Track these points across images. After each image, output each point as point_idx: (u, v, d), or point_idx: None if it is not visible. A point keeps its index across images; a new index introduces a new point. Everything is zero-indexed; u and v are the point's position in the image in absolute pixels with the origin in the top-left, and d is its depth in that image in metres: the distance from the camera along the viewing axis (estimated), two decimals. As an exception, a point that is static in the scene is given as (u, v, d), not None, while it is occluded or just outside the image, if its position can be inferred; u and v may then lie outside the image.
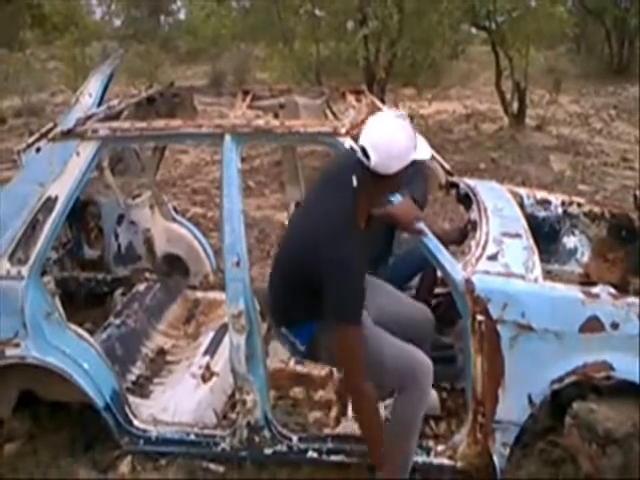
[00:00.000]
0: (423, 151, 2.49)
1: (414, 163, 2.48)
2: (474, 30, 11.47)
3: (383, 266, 3.55)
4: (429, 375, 2.60)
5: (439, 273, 3.08)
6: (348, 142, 2.71)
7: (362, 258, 2.45)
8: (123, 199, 4.20)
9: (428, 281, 3.76)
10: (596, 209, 3.72)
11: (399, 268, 3.61)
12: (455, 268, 2.69)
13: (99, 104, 3.34)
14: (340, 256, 2.37)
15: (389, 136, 2.34)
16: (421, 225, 2.71)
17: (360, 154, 2.37)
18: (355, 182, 2.46)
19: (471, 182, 3.65)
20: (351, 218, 2.45)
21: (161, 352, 3.70)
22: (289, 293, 2.64)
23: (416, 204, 3.17)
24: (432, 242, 2.73)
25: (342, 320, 2.40)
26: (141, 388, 3.37)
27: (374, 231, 2.70)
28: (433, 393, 3.14)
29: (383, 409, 2.92)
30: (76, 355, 2.89)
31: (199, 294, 4.20)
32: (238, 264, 2.76)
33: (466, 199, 3.49)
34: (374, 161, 2.34)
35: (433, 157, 3.73)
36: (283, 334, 2.77)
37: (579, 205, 3.75)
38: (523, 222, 3.17)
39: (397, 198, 2.73)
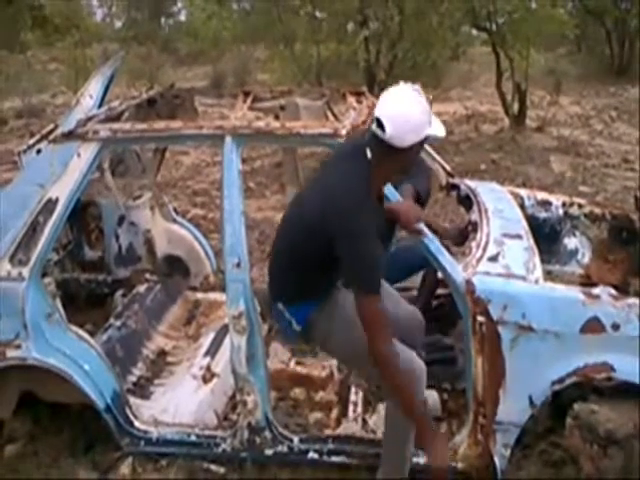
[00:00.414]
0: (438, 128, 2.45)
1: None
2: (475, 31, 11.49)
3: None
4: (422, 379, 2.56)
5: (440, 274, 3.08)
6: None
7: (377, 229, 2.41)
8: (123, 200, 4.20)
9: (430, 282, 3.76)
10: (597, 210, 3.72)
11: (393, 265, 3.60)
12: (456, 269, 2.69)
13: (100, 105, 3.34)
14: (358, 225, 2.34)
15: (405, 108, 2.32)
16: (421, 225, 2.71)
17: (375, 126, 2.35)
18: (369, 154, 2.43)
19: (472, 183, 3.66)
20: (367, 188, 2.42)
21: (162, 353, 3.70)
22: (291, 269, 2.61)
23: (419, 198, 3.21)
24: (433, 243, 2.73)
25: (364, 290, 2.37)
26: (142, 389, 3.37)
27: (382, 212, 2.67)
28: (434, 394, 3.14)
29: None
30: (77, 356, 2.89)
31: (199, 295, 4.20)
32: (238, 265, 2.77)
33: (467, 200, 3.49)
34: (389, 133, 2.31)
35: (434, 158, 3.74)
36: (279, 310, 2.70)
37: (580, 206, 3.74)
38: (524, 223, 3.17)
39: (395, 196, 2.74)
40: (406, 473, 2.66)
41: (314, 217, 2.46)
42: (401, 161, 2.44)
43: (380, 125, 2.32)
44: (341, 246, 2.37)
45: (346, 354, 2.72)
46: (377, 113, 2.34)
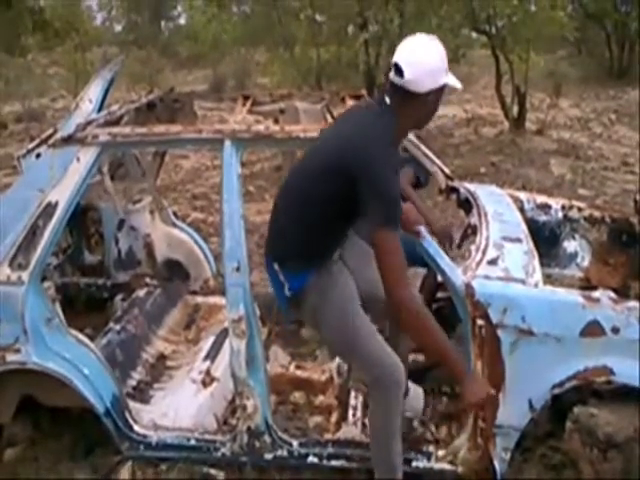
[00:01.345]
0: (455, 81, 2.47)
1: None
2: (474, 34, 11.48)
3: None
4: (400, 380, 2.55)
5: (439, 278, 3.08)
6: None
7: (398, 173, 2.42)
8: (123, 204, 4.20)
9: (429, 286, 3.76)
10: (596, 213, 3.72)
11: None
12: (455, 273, 2.69)
13: (99, 110, 3.34)
14: (384, 160, 2.32)
15: (423, 53, 2.37)
16: (421, 228, 2.72)
17: (393, 73, 2.38)
18: (388, 101, 2.44)
19: (471, 186, 3.65)
20: (390, 130, 2.41)
21: (161, 357, 3.70)
22: (293, 226, 2.55)
23: (418, 182, 3.40)
24: (432, 246, 2.73)
25: (385, 224, 2.32)
26: (141, 393, 3.37)
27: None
28: (419, 392, 3.13)
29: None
30: (76, 360, 2.89)
31: (199, 299, 4.20)
32: (238, 269, 2.77)
33: (466, 204, 3.49)
34: (407, 77, 2.34)
35: (433, 161, 3.74)
36: (274, 271, 2.63)
37: (579, 209, 3.74)
38: (523, 226, 3.17)
39: None
40: (398, 471, 2.64)
41: (329, 163, 2.43)
42: (420, 109, 2.45)
43: (398, 71, 2.35)
44: (363, 181, 2.32)
45: (331, 336, 2.67)
46: (395, 59, 2.37)
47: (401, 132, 2.50)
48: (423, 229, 2.74)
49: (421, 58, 2.35)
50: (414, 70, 2.34)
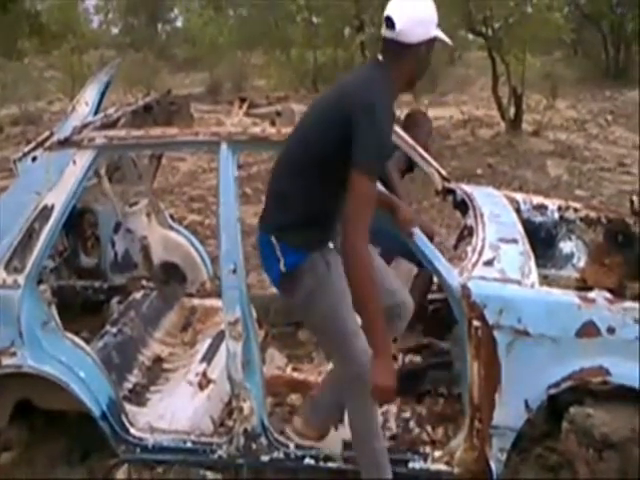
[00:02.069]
0: (445, 36, 2.53)
1: None
2: (471, 36, 11.51)
3: None
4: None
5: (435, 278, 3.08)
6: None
7: (391, 124, 2.44)
8: (120, 207, 4.20)
9: (422, 282, 3.77)
10: (592, 214, 3.73)
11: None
12: (451, 274, 2.69)
13: (96, 112, 3.34)
14: (379, 108, 2.33)
15: (412, 4, 2.43)
16: (415, 229, 2.72)
17: (384, 27, 2.42)
18: (381, 57, 2.48)
19: (468, 188, 3.66)
20: (385, 82, 2.43)
21: (158, 360, 3.69)
22: (296, 190, 2.51)
23: (411, 167, 3.62)
24: (428, 248, 2.73)
25: (364, 169, 2.31)
26: (138, 396, 3.36)
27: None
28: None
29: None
30: (72, 364, 2.89)
31: (196, 302, 4.19)
32: (235, 271, 2.77)
33: (462, 205, 3.50)
34: (398, 28, 2.39)
35: (430, 163, 3.75)
36: (271, 244, 2.54)
37: (575, 210, 3.75)
38: (519, 227, 3.18)
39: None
40: (386, 469, 2.64)
41: (328, 112, 2.45)
42: (412, 62, 2.48)
43: (390, 24, 2.40)
44: (359, 120, 2.32)
45: (320, 323, 2.64)
46: (386, 13, 2.42)
47: (395, 89, 2.51)
48: (417, 230, 2.74)
49: (411, 9, 2.42)
50: (405, 20, 2.39)
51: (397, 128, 3.76)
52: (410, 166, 3.87)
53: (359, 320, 2.53)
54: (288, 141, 2.63)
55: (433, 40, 2.47)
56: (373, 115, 2.32)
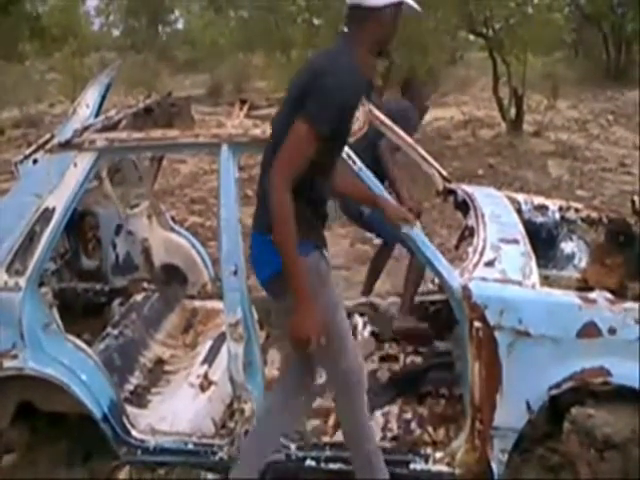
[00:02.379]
0: (413, 2, 2.47)
1: None
2: (472, 37, 11.52)
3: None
4: (362, 381, 2.59)
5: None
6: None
7: (359, 96, 2.38)
8: (121, 209, 4.20)
9: (414, 275, 3.88)
10: (594, 214, 3.73)
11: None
12: (452, 275, 2.69)
13: (97, 115, 3.34)
14: (335, 68, 2.27)
15: None
16: (405, 227, 2.73)
17: None
18: (346, 29, 2.44)
19: (469, 188, 3.67)
20: (350, 51, 2.37)
21: (159, 362, 3.70)
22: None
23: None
24: (429, 249, 2.73)
25: (309, 119, 2.24)
26: (139, 398, 3.37)
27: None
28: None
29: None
30: (74, 366, 2.89)
31: (197, 303, 4.20)
32: (235, 273, 2.76)
33: (463, 205, 3.50)
34: None
35: (430, 163, 3.75)
36: (266, 242, 2.39)
37: (576, 210, 3.75)
38: (520, 228, 3.18)
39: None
40: (380, 469, 2.63)
41: (294, 92, 2.38)
42: (378, 28, 2.41)
43: None
44: (316, 83, 2.26)
45: None
46: None
47: (363, 56, 2.43)
48: (418, 230, 2.74)
49: None
50: None
51: (397, 129, 3.77)
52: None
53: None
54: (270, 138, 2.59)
55: (399, 5, 2.41)
56: (328, 77, 2.25)
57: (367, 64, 2.46)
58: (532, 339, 2.57)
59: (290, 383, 2.76)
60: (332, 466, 2.88)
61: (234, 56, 16.86)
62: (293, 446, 2.91)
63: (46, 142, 3.02)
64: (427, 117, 11.44)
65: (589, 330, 2.55)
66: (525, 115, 10.42)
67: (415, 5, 2.48)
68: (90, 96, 3.37)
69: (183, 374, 3.51)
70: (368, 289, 4.62)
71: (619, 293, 2.98)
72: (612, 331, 2.54)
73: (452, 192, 3.67)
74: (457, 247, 3.50)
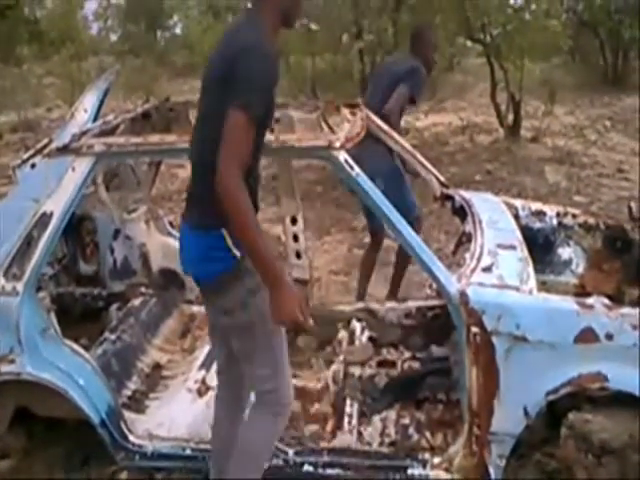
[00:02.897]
0: None
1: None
2: (469, 43, 11.53)
3: None
4: (285, 409, 2.54)
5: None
6: (343, 156, 2.73)
7: (278, 70, 2.32)
8: (119, 214, 4.20)
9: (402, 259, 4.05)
10: (591, 220, 3.74)
11: None
12: (449, 280, 2.70)
13: (95, 119, 3.35)
14: (253, 52, 2.22)
15: None
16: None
17: None
18: (250, 5, 2.43)
19: (466, 194, 3.68)
20: (257, 27, 2.33)
21: (157, 367, 3.69)
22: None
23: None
24: (427, 254, 2.74)
25: (241, 106, 2.18)
26: (137, 403, 3.36)
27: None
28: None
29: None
30: (71, 371, 2.89)
31: (195, 308, 4.19)
32: (233, 278, 2.76)
33: (461, 211, 3.51)
34: None
35: (428, 169, 3.76)
36: (222, 236, 2.34)
37: (574, 216, 3.76)
38: (518, 234, 3.19)
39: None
40: None
41: (211, 80, 2.35)
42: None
43: None
44: (235, 71, 2.21)
45: (248, 329, 2.44)
46: None
47: (270, 29, 2.38)
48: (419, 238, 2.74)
49: None
50: None
51: (395, 135, 3.78)
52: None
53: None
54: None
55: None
56: (250, 58, 2.21)
57: (275, 36, 2.42)
58: (529, 344, 2.57)
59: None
60: (330, 471, 2.88)
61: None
62: (291, 451, 2.91)
63: (44, 146, 3.02)
64: (426, 123, 11.54)
65: (586, 336, 2.55)
66: (523, 121, 10.42)
67: None
68: (88, 100, 3.37)
69: (181, 379, 3.51)
70: (362, 293, 4.64)
71: (616, 299, 2.99)
72: (609, 337, 2.54)
73: (450, 198, 3.68)
74: (455, 253, 3.51)
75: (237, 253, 2.34)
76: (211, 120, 2.31)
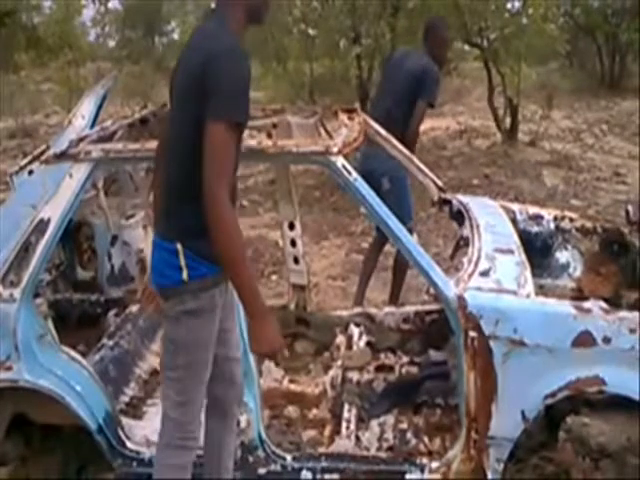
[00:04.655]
0: None
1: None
2: (466, 47, 11.55)
3: None
4: (189, 445, 2.48)
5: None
6: (340, 161, 2.73)
7: (250, 74, 2.25)
8: (116, 220, 4.19)
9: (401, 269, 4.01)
10: (588, 224, 3.75)
11: None
12: (447, 285, 2.70)
13: (92, 126, 3.35)
14: (224, 57, 2.16)
15: None
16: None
17: None
18: (214, 5, 2.37)
19: (464, 198, 3.68)
20: (224, 28, 2.27)
21: (155, 373, 3.68)
22: (186, 194, 2.25)
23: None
24: (424, 259, 2.74)
25: (220, 118, 2.11)
26: (134, 409, 3.36)
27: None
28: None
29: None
30: (69, 378, 2.88)
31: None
32: (230, 283, 2.76)
33: (459, 215, 3.51)
34: None
35: (425, 174, 3.77)
36: (176, 251, 2.28)
37: (571, 220, 3.77)
38: (515, 238, 3.19)
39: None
40: None
41: (182, 89, 2.27)
42: None
43: None
44: (207, 79, 2.13)
45: (180, 347, 2.37)
46: None
47: (237, 28, 2.32)
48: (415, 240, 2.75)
49: None
50: None
51: (392, 140, 3.79)
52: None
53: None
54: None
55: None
56: (222, 64, 2.15)
57: (241, 35, 2.35)
58: (527, 348, 2.57)
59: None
60: (328, 477, 2.87)
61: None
62: (289, 457, 2.90)
63: (42, 153, 3.01)
64: (423, 127, 11.50)
65: (584, 339, 2.56)
66: (520, 125, 10.45)
67: None
68: (86, 107, 3.37)
69: (178, 385, 3.50)
70: (360, 297, 4.65)
71: (614, 302, 2.99)
72: (607, 340, 2.55)
73: (447, 202, 3.68)
74: (452, 257, 3.51)
75: (185, 277, 2.28)
76: (185, 137, 2.24)
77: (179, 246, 2.27)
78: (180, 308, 2.31)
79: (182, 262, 2.28)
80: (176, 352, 2.38)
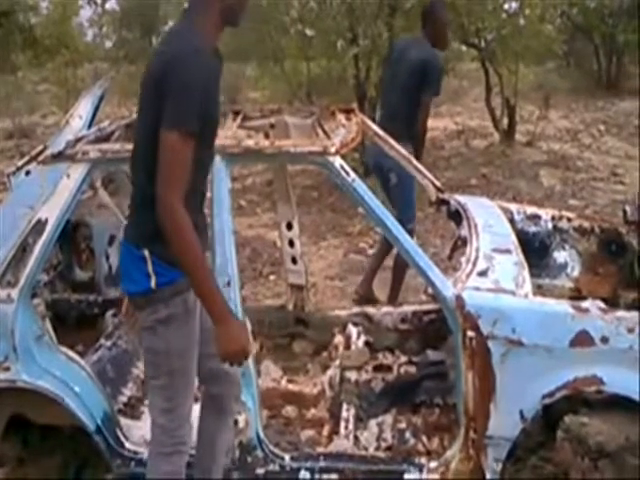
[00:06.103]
0: None
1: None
2: (464, 47, 11.56)
3: None
4: (180, 450, 2.47)
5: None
6: (338, 161, 2.73)
7: (215, 78, 2.26)
8: (114, 220, 4.19)
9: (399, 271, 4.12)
10: (586, 224, 3.75)
11: None
12: (445, 285, 2.70)
13: (89, 126, 3.35)
14: (184, 61, 2.12)
15: None
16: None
17: None
18: (187, 5, 2.32)
19: (461, 198, 3.69)
20: (193, 31, 2.23)
21: (153, 373, 3.67)
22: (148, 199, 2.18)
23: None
24: (422, 259, 2.74)
25: (173, 125, 2.09)
26: (133, 410, 3.35)
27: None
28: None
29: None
30: (67, 378, 2.87)
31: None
32: (229, 284, 2.76)
33: (456, 215, 3.52)
34: None
35: (424, 174, 3.77)
36: (142, 257, 2.27)
37: (569, 220, 3.77)
38: (513, 238, 3.19)
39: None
40: None
41: (146, 93, 2.22)
42: (217, 1, 2.25)
43: None
44: (165, 83, 2.10)
45: (159, 358, 2.37)
46: None
47: (210, 30, 2.27)
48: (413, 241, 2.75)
49: None
50: None
51: (390, 140, 3.79)
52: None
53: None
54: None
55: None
56: (177, 71, 2.10)
57: (215, 38, 2.31)
58: (525, 348, 2.58)
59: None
60: (327, 477, 2.87)
61: (227, 67, 16.80)
62: (287, 457, 2.90)
63: (39, 153, 3.01)
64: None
65: (582, 339, 2.56)
66: (517, 125, 10.46)
67: None
68: (83, 107, 3.36)
69: (177, 385, 3.49)
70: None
71: (612, 302, 3.00)
72: (605, 340, 2.55)
73: (445, 202, 3.69)
74: (450, 257, 3.52)
75: (153, 285, 2.27)
76: (143, 143, 2.23)
77: (146, 252, 2.26)
78: (154, 317, 2.30)
79: (150, 269, 2.26)
80: (157, 361, 2.37)
